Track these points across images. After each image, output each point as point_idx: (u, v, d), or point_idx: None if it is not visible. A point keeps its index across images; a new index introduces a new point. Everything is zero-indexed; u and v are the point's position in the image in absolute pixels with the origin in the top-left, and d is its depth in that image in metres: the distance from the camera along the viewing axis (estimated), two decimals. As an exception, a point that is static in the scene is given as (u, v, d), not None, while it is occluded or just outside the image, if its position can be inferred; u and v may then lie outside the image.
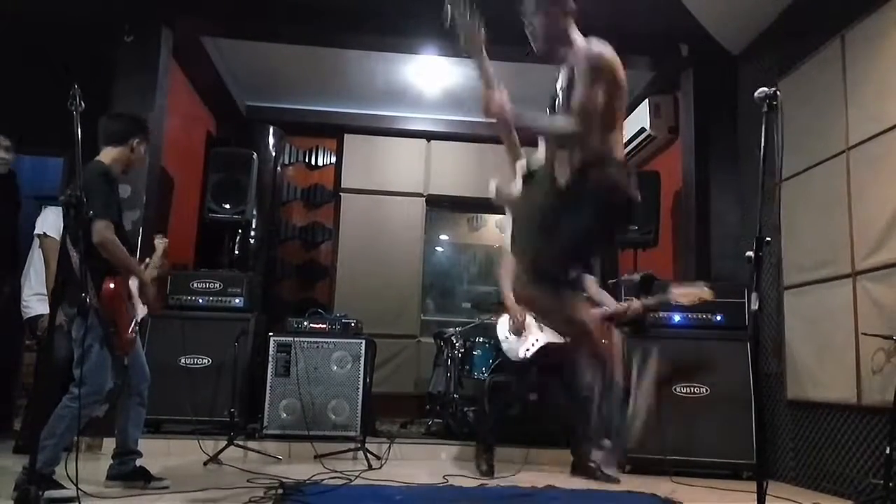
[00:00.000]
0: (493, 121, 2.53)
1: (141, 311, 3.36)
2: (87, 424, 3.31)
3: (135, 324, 3.24)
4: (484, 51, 2.58)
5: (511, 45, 5.14)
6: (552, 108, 2.65)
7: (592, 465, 3.87)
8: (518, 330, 3.82)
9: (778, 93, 2.39)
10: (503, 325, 3.92)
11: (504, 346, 3.91)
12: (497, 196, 2.66)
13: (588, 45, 2.53)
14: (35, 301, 4.20)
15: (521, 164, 2.62)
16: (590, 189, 2.46)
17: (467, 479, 3.78)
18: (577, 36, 2.65)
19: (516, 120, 2.51)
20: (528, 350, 3.79)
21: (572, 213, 2.45)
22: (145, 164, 3.56)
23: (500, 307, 3.84)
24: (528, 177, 2.61)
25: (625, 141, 6.12)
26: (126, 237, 3.30)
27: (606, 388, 2.60)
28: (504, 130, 2.58)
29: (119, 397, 3.36)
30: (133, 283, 3.28)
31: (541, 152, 2.63)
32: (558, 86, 2.63)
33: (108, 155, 3.25)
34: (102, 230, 3.00)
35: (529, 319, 3.79)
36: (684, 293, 3.52)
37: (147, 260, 3.71)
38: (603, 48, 2.50)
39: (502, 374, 4.46)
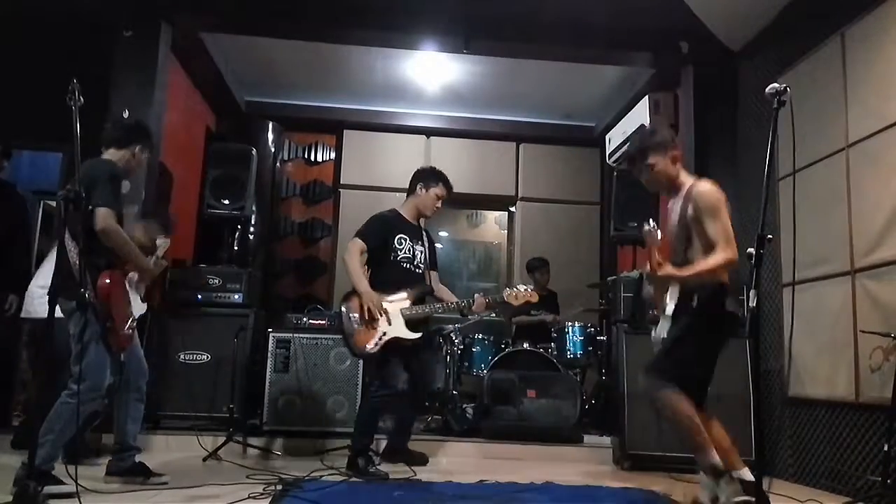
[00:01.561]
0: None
1: (139, 307, 3.36)
2: (87, 421, 3.33)
3: (132, 320, 3.23)
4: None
5: (507, 41, 5.14)
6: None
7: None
8: (369, 317, 3.69)
9: (788, 89, 2.39)
10: (354, 310, 3.75)
11: (354, 332, 3.76)
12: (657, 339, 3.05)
13: (699, 184, 2.97)
14: (38, 298, 4.13)
15: (668, 305, 2.98)
16: (696, 309, 2.87)
17: (466, 476, 3.78)
18: (685, 177, 3.07)
19: (686, 278, 2.88)
20: (375, 343, 3.70)
21: (683, 338, 2.88)
22: (143, 170, 3.56)
23: (352, 295, 3.74)
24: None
25: (625, 138, 6.14)
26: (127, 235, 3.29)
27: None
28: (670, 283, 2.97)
29: (117, 393, 3.35)
30: (132, 276, 3.28)
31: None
32: (673, 218, 3.04)
33: (110, 156, 3.27)
34: (106, 217, 3.00)
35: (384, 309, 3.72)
36: (513, 294, 3.84)
37: (151, 257, 3.70)
38: (711, 185, 2.94)
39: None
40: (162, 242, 3.77)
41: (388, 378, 3.75)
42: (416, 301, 3.84)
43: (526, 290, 3.88)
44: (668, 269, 2.88)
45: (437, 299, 3.96)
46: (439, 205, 4.06)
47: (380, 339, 3.69)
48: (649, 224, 2.86)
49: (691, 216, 2.90)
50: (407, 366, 3.83)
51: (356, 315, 3.72)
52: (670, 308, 2.94)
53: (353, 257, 3.77)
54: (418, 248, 3.95)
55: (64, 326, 3.03)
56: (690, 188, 2.96)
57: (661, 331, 2.99)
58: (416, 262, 3.92)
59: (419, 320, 3.82)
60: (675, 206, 3.03)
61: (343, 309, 3.77)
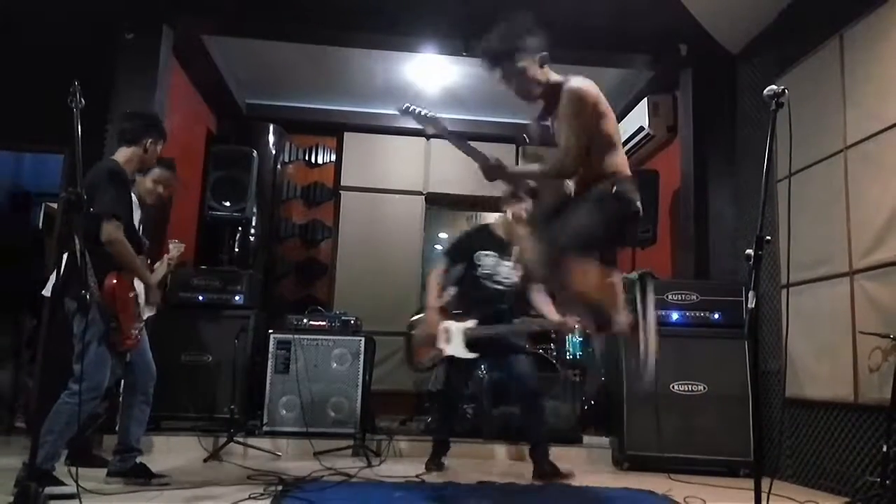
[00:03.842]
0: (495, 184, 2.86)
1: (148, 310, 3.37)
2: (88, 422, 3.34)
3: (140, 321, 3.24)
4: (451, 135, 2.97)
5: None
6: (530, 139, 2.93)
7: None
8: (430, 339, 3.87)
9: (786, 91, 2.40)
10: (417, 329, 4.02)
11: (413, 345, 4.04)
12: (516, 219, 3.00)
13: (564, 82, 2.69)
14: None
15: (530, 185, 2.92)
16: (595, 194, 2.66)
17: (466, 476, 3.80)
18: (549, 76, 2.79)
19: (515, 179, 2.85)
20: (430, 359, 3.91)
21: (579, 209, 2.67)
22: (155, 163, 3.54)
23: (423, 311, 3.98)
24: (538, 193, 2.89)
25: (624, 139, 6.15)
26: (137, 236, 3.31)
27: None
28: (508, 184, 2.94)
29: (121, 394, 3.37)
30: (140, 281, 3.28)
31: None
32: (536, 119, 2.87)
33: (121, 155, 3.27)
34: (112, 230, 3.02)
35: (441, 329, 3.84)
36: None
37: (161, 261, 3.71)
38: (579, 82, 2.66)
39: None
40: (175, 249, 3.77)
41: (445, 386, 4.02)
42: (485, 321, 3.85)
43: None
44: (501, 163, 2.81)
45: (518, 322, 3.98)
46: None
47: (435, 356, 3.87)
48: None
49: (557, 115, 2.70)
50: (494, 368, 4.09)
51: (419, 330, 3.94)
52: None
53: (432, 277, 3.98)
54: (505, 264, 3.93)
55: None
56: (559, 86, 2.70)
57: (524, 207, 2.97)
58: (496, 279, 3.92)
59: (482, 341, 3.83)
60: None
61: (412, 321, 4.03)
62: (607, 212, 2.65)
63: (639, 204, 2.70)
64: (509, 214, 2.91)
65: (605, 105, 2.70)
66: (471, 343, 3.83)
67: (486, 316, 3.87)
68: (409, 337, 4.01)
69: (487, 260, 3.95)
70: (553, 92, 2.74)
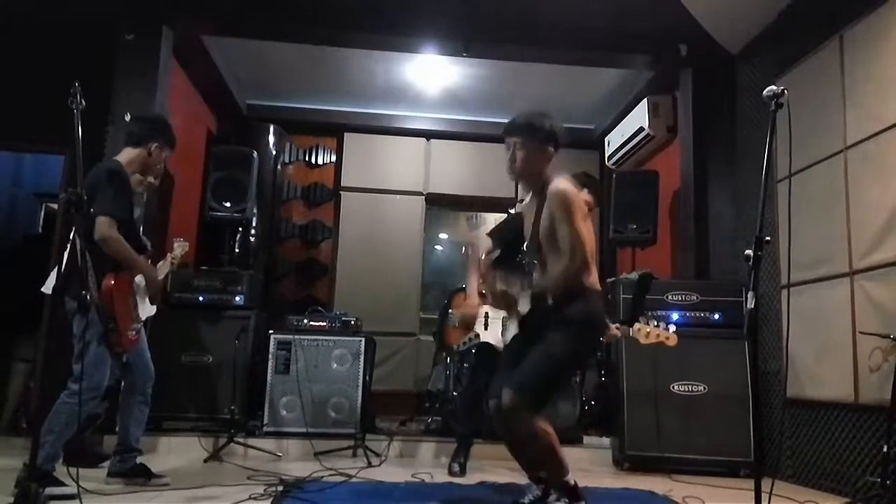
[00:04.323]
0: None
1: (148, 310, 3.36)
2: (87, 422, 3.34)
3: (137, 322, 3.24)
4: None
5: (507, 44, 5.13)
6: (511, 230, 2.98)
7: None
8: (469, 322, 3.73)
9: (786, 91, 2.40)
10: (456, 308, 3.87)
11: (447, 328, 3.93)
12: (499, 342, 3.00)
13: (556, 184, 2.74)
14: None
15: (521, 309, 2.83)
16: (569, 317, 2.68)
17: (466, 476, 3.80)
18: (549, 172, 2.87)
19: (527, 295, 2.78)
20: (463, 343, 3.80)
21: (544, 343, 2.67)
22: (160, 169, 3.52)
23: (461, 292, 3.79)
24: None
25: (624, 140, 6.16)
26: (138, 235, 3.31)
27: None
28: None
29: (120, 394, 3.37)
30: (140, 280, 3.28)
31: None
32: (520, 209, 2.92)
33: (124, 155, 3.28)
34: (104, 227, 3.01)
35: (481, 313, 3.73)
36: (644, 331, 3.38)
37: (164, 259, 3.71)
38: (568, 186, 2.75)
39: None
40: (179, 248, 3.77)
41: (472, 377, 3.88)
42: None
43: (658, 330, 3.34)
44: (510, 296, 2.83)
45: None
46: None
47: (469, 340, 3.76)
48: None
49: (550, 216, 2.75)
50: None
51: (455, 312, 3.78)
52: (523, 308, 2.82)
53: (474, 255, 3.69)
54: None
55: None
56: (551, 187, 2.77)
57: (508, 334, 2.90)
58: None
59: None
60: (533, 204, 2.91)
61: (448, 304, 3.84)
62: (575, 342, 2.71)
63: (605, 320, 2.81)
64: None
65: (587, 213, 2.81)
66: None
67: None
68: (445, 315, 3.84)
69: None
70: (543, 187, 2.82)
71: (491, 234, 3.74)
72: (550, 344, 2.66)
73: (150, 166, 3.37)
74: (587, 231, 2.71)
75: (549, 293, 2.72)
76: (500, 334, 3.63)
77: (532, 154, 2.84)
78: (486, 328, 3.79)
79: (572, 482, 2.71)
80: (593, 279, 2.75)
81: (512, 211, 3.80)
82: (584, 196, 3.44)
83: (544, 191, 2.79)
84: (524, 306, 2.78)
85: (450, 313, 3.83)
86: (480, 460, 4.23)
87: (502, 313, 3.59)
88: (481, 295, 3.58)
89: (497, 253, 3.69)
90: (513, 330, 2.84)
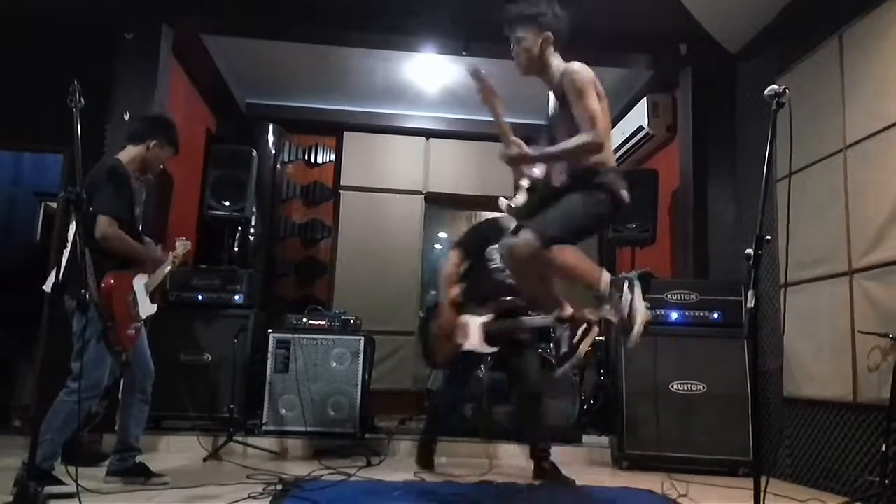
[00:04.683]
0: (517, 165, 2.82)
1: (149, 309, 3.36)
2: (85, 421, 3.33)
3: (137, 320, 3.24)
4: (500, 108, 2.83)
5: (507, 44, 5.13)
6: (551, 128, 2.89)
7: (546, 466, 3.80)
8: (449, 334, 3.81)
9: (787, 91, 2.40)
10: (434, 324, 3.93)
11: (432, 344, 3.95)
12: (507, 209, 2.86)
13: (567, 65, 2.74)
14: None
15: (524, 181, 2.83)
16: (582, 185, 2.68)
17: (466, 476, 3.80)
18: (555, 60, 2.83)
19: (540, 158, 2.75)
20: (445, 352, 3.85)
21: (564, 199, 2.68)
22: (160, 167, 3.53)
23: (436, 309, 3.90)
24: (531, 189, 2.82)
25: (623, 139, 6.16)
26: (139, 233, 3.31)
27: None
28: (525, 166, 2.83)
29: (120, 393, 3.37)
30: (140, 280, 3.28)
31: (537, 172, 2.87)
32: (550, 109, 2.88)
33: (125, 153, 3.29)
34: (105, 226, 3.02)
35: (460, 323, 3.80)
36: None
37: (167, 257, 3.71)
38: (580, 66, 2.72)
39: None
40: (181, 247, 3.78)
41: (454, 379, 3.94)
42: (502, 314, 3.80)
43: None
44: (524, 148, 2.74)
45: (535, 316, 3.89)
46: None
47: (453, 350, 3.80)
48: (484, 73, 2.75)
49: (564, 98, 2.73)
50: (502, 370, 4.01)
51: (436, 326, 3.85)
52: (536, 172, 2.82)
53: (446, 269, 3.86)
54: None
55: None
56: (562, 70, 2.77)
57: (518, 200, 2.84)
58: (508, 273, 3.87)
59: (500, 335, 3.80)
60: (550, 93, 2.90)
61: (426, 322, 3.95)
62: (595, 204, 2.68)
63: (625, 193, 2.70)
64: (502, 202, 2.84)
65: (602, 91, 2.73)
66: (490, 337, 3.79)
67: (502, 309, 3.82)
68: (425, 333, 3.92)
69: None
70: (554, 75, 2.80)
71: (457, 246, 3.88)
72: (571, 201, 2.67)
73: (150, 164, 3.37)
74: (602, 110, 2.68)
75: (567, 167, 2.74)
76: (482, 343, 3.77)
77: (532, 45, 2.81)
78: (466, 336, 3.83)
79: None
80: (609, 155, 2.75)
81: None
82: None
83: (558, 78, 2.77)
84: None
85: (429, 330, 3.91)
86: (460, 458, 4.24)
87: (482, 320, 3.77)
88: (455, 306, 3.77)
89: (466, 265, 3.85)
90: (522, 198, 2.82)
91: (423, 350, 3.95)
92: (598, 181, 2.67)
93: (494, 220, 4.01)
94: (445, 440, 4.63)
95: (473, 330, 3.79)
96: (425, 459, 4.01)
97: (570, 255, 2.64)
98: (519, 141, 2.75)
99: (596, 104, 2.63)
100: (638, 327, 2.60)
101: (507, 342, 3.83)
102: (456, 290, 3.86)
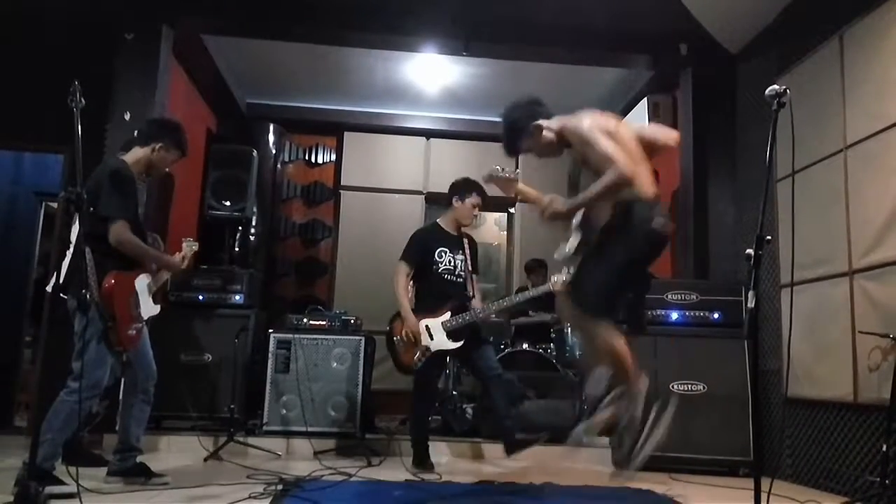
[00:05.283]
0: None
1: (151, 309, 3.36)
2: (85, 421, 3.33)
3: (138, 321, 3.23)
4: (526, 188, 3.05)
5: (507, 44, 5.13)
6: (573, 186, 3.03)
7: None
8: (412, 339, 3.96)
9: (787, 91, 2.40)
10: (398, 333, 4.07)
11: (399, 353, 4.08)
12: (560, 258, 3.04)
13: (572, 122, 2.86)
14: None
15: (575, 222, 2.97)
16: (619, 222, 2.75)
17: (466, 476, 3.80)
18: (560, 124, 2.94)
19: (575, 208, 2.84)
20: (418, 360, 3.97)
21: (602, 250, 2.79)
22: (165, 170, 3.57)
23: (397, 318, 4.07)
24: (578, 231, 2.98)
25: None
26: (143, 234, 3.31)
27: (630, 398, 2.80)
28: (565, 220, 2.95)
29: (120, 393, 3.37)
30: (142, 281, 3.27)
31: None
32: (571, 165, 3.02)
33: (131, 154, 3.29)
34: (119, 231, 3.03)
35: (422, 327, 3.96)
36: (557, 283, 3.90)
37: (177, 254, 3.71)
38: (581, 119, 2.84)
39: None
40: (188, 248, 3.78)
41: (423, 379, 4.03)
42: (456, 311, 4.01)
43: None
44: (555, 205, 2.84)
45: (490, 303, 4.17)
46: (476, 213, 4.22)
47: (423, 353, 3.94)
48: (496, 170, 2.93)
49: (582, 152, 2.84)
50: (465, 365, 4.17)
51: (399, 336, 4.01)
52: (576, 222, 2.94)
53: (398, 281, 4.04)
54: (458, 257, 4.14)
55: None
56: (570, 129, 2.88)
57: (568, 246, 2.96)
58: (456, 273, 4.11)
59: (462, 328, 3.98)
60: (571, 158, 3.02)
61: (389, 331, 4.08)
62: (627, 251, 2.75)
63: (659, 222, 2.70)
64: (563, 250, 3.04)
65: (611, 126, 2.81)
66: (452, 333, 3.97)
67: (456, 307, 4.02)
68: (392, 344, 4.07)
69: (445, 256, 4.12)
70: (565, 139, 2.92)
71: (402, 259, 4.09)
72: (605, 255, 2.77)
73: (155, 167, 3.38)
74: (616, 141, 2.72)
75: (594, 207, 2.83)
76: (446, 340, 3.96)
77: (535, 145, 2.97)
78: (431, 338, 3.96)
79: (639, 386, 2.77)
80: (641, 184, 2.72)
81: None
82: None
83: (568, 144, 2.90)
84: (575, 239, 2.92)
85: (395, 340, 4.05)
86: (458, 458, 4.25)
87: (442, 320, 3.96)
88: (412, 313, 3.97)
89: (411, 272, 4.08)
90: (573, 240, 2.95)
91: (393, 361, 4.09)
92: (631, 217, 2.71)
93: (435, 224, 4.31)
94: (445, 440, 4.66)
95: (436, 330, 3.96)
96: (421, 459, 4.03)
97: (614, 341, 2.72)
98: (551, 197, 2.88)
99: (606, 143, 2.68)
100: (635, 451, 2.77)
101: (474, 335, 4.02)
102: (408, 299, 4.06)
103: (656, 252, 2.84)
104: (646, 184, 2.74)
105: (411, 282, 4.13)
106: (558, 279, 3.89)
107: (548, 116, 2.99)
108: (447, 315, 3.99)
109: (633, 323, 2.90)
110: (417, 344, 3.94)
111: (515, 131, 2.97)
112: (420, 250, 4.12)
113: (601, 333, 2.73)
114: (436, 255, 4.08)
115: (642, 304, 3.49)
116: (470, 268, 4.18)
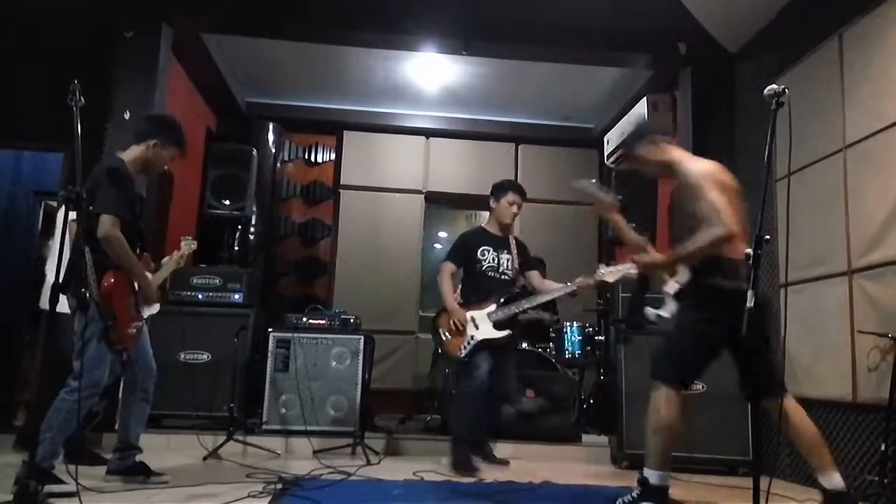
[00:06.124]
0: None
1: (151, 308, 3.36)
2: (85, 420, 3.33)
3: (138, 319, 3.23)
4: (622, 221, 3.07)
5: (507, 43, 5.13)
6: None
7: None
8: (457, 329, 4.05)
9: (787, 90, 2.40)
10: (444, 325, 4.15)
11: (445, 343, 4.15)
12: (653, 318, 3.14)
13: (687, 164, 2.96)
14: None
15: (669, 287, 3.00)
16: (697, 294, 2.82)
17: (465, 475, 3.80)
18: (676, 155, 3.04)
19: (672, 262, 2.88)
20: (463, 348, 4.04)
21: (683, 318, 2.86)
22: (163, 167, 3.57)
23: (443, 312, 4.17)
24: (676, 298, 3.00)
25: (623, 141, 6.14)
26: (141, 233, 3.30)
27: None
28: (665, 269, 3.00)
29: (120, 392, 3.37)
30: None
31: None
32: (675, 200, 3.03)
33: (129, 153, 3.28)
34: (108, 225, 3.01)
35: (467, 317, 4.06)
36: (611, 271, 3.87)
37: (170, 256, 3.69)
38: (700, 164, 2.94)
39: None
40: (186, 246, 3.77)
41: (471, 370, 4.02)
42: (503, 304, 4.10)
43: (620, 267, 3.88)
44: (654, 256, 2.89)
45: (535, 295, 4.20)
46: (515, 210, 4.31)
47: (468, 342, 4.03)
48: (594, 184, 3.03)
49: (685, 193, 2.90)
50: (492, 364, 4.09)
51: (445, 329, 4.11)
52: (671, 287, 2.95)
53: (443, 279, 4.19)
54: (504, 256, 4.24)
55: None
56: (683, 167, 2.97)
57: (664, 310, 3.02)
58: (501, 270, 4.22)
59: (508, 320, 4.09)
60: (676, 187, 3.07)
61: (436, 325, 4.18)
62: (702, 328, 2.80)
63: (742, 293, 2.36)
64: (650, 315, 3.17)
65: (726, 181, 2.90)
66: (498, 324, 4.07)
67: (502, 299, 4.11)
68: (438, 335, 4.16)
69: (488, 255, 4.20)
70: (677, 171, 3.00)
71: (448, 258, 4.25)
72: (683, 319, 2.85)
73: (152, 164, 3.36)
74: (730, 201, 2.78)
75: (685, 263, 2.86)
76: (492, 329, 4.02)
77: (645, 153, 3.09)
78: (476, 328, 4.05)
79: (658, 482, 2.80)
80: (734, 247, 2.71)
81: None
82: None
83: (677, 173, 2.98)
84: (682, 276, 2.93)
85: (440, 331, 4.14)
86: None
87: (488, 311, 4.05)
88: (460, 304, 4.11)
89: (456, 271, 4.22)
90: (672, 307, 2.99)
91: (441, 351, 4.21)
92: (713, 281, 2.74)
93: (480, 227, 4.42)
94: (445, 439, 4.65)
95: (482, 321, 4.05)
96: (463, 462, 3.93)
97: (668, 434, 2.85)
98: (650, 249, 3.00)
99: (716, 196, 2.73)
100: None
101: (512, 325, 4.12)
102: (453, 295, 4.18)
103: (730, 338, 2.78)
104: (739, 247, 2.69)
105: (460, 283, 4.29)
106: (605, 271, 3.88)
107: (670, 143, 3.14)
108: (493, 307, 4.09)
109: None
110: (463, 334, 4.03)
111: (641, 135, 3.16)
112: (462, 249, 4.25)
113: (663, 419, 2.87)
114: (478, 254, 4.19)
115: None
116: (517, 266, 4.26)
